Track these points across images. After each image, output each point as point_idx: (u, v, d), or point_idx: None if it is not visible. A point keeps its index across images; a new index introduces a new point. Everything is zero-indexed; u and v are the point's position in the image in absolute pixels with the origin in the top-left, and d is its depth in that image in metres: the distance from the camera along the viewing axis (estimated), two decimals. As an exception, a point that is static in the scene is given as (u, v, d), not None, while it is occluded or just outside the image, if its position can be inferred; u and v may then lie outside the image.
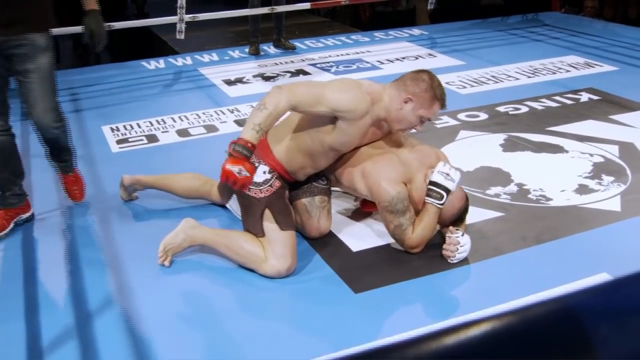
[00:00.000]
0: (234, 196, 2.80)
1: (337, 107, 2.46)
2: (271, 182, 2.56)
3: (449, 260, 2.56)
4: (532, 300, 0.60)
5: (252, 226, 2.57)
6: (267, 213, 2.52)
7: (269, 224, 2.52)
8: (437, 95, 2.55)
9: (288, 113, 2.57)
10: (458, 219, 2.67)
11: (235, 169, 2.31)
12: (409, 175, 2.61)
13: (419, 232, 2.56)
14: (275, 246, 2.49)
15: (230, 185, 2.41)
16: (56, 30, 5.77)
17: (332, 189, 2.86)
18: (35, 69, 2.68)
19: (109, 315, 2.33)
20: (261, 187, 2.54)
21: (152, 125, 4.27)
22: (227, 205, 3.01)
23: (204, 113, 4.47)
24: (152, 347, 2.15)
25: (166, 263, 2.57)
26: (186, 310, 2.35)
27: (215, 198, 3.02)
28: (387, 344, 0.56)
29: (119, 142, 4.00)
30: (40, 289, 2.50)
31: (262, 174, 2.55)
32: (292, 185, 2.72)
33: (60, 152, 3.01)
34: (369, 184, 2.60)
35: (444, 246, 2.58)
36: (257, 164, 2.53)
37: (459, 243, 2.54)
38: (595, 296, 0.62)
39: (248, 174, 2.33)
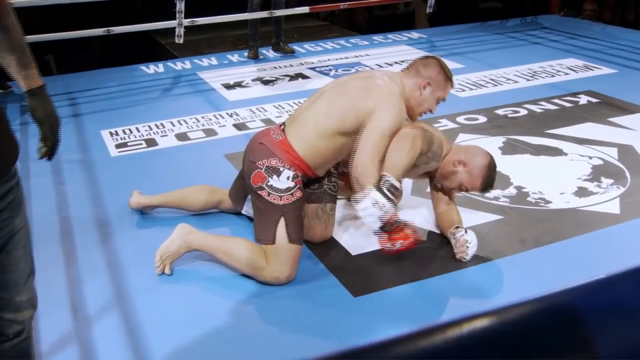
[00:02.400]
0: (248, 200, 2.77)
1: (397, 127, 2.52)
2: (293, 190, 2.50)
3: (463, 260, 2.58)
4: (526, 297, 0.60)
5: (262, 231, 2.52)
6: (282, 221, 2.47)
7: (280, 233, 2.47)
8: (449, 75, 2.67)
9: (308, 105, 2.62)
10: (489, 181, 2.68)
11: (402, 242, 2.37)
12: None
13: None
14: (279, 255, 2.46)
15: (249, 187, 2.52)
16: (54, 35, 5.79)
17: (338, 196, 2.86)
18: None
19: (108, 321, 2.32)
20: (282, 194, 2.48)
21: (151, 129, 4.27)
22: (243, 212, 2.92)
23: (203, 117, 4.47)
24: (151, 351, 2.14)
25: (167, 271, 2.54)
26: (185, 315, 2.35)
27: (228, 205, 2.96)
28: (380, 342, 0.57)
29: (118, 146, 3.99)
30: (39, 293, 2.50)
31: (285, 179, 2.49)
32: (304, 184, 2.67)
33: None
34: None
35: (455, 249, 2.60)
36: (281, 169, 2.50)
37: (467, 241, 2.56)
38: (590, 293, 0.62)
39: (412, 234, 2.38)
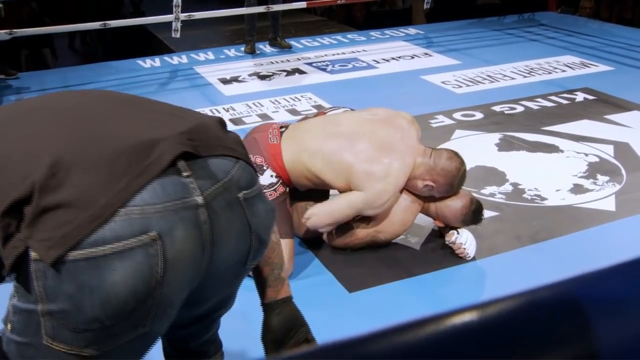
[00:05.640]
0: None
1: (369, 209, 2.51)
2: (276, 186, 2.50)
3: (467, 259, 2.58)
4: (524, 288, 0.59)
5: None
6: None
7: None
8: (455, 188, 2.54)
9: (317, 133, 2.55)
10: (472, 221, 2.61)
11: None
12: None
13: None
14: None
15: None
16: (52, 28, 5.76)
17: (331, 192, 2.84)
18: None
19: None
20: (265, 191, 2.48)
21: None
22: None
23: (199, 112, 4.45)
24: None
25: None
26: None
27: None
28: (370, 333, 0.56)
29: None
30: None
31: (268, 177, 2.49)
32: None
33: None
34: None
35: (456, 252, 2.60)
36: (265, 167, 2.49)
37: (462, 243, 2.56)
38: (592, 283, 0.61)
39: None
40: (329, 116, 2.77)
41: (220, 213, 1.13)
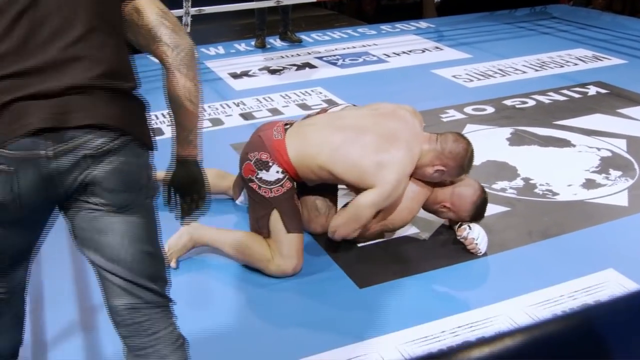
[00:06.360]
0: (245, 191, 2.78)
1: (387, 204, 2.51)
2: (282, 182, 2.50)
3: (478, 254, 2.57)
4: (549, 315, 0.58)
5: (258, 225, 2.54)
6: (275, 213, 2.48)
7: (276, 225, 2.48)
8: (466, 169, 2.55)
9: (321, 126, 2.56)
10: (477, 214, 2.62)
11: None
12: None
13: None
14: (281, 247, 2.47)
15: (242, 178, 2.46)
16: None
17: (340, 187, 2.83)
18: None
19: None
20: (272, 187, 2.49)
21: (157, 118, 4.26)
22: (238, 202, 2.97)
23: (209, 106, 4.46)
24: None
25: (172, 265, 2.54)
26: (190, 307, 2.35)
27: (232, 194, 3.00)
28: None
29: (124, 135, 3.99)
30: (45, 283, 2.51)
31: (274, 173, 2.49)
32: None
33: None
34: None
35: (468, 247, 2.59)
36: (270, 163, 2.49)
37: (473, 239, 2.55)
38: (616, 309, 0.60)
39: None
40: (332, 112, 2.80)
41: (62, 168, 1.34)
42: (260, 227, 2.53)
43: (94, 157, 1.37)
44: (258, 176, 2.49)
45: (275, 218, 2.48)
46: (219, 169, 3.13)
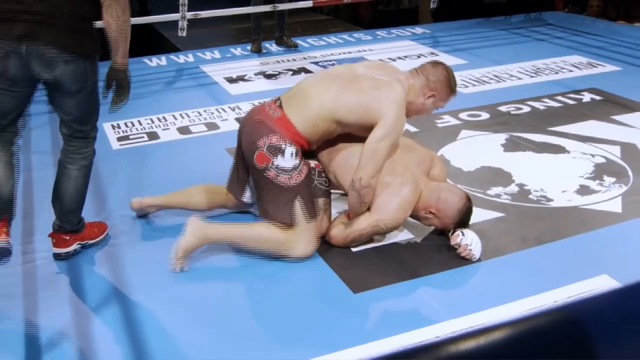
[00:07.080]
0: (248, 186, 2.75)
1: (398, 136, 2.61)
2: (299, 167, 2.52)
3: (473, 260, 2.58)
4: (535, 310, 0.59)
5: (277, 212, 2.53)
6: (297, 202, 2.51)
7: (298, 213, 2.52)
8: (453, 88, 2.70)
9: (310, 83, 2.66)
10: (462, 222, 2.64)
11: None
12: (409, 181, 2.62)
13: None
14: (305, 234, 2.53)
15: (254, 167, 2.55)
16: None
17: (332, 191, 2.83)
18: None
19: (109, 313, 2.33)
20: (290, 174, 2.49)
21: (153, 122, 4.26)
22: (245, 199, 2.82)
23: (205, 111, 4.47)
24: (150, 347, 2.14)
25: (183, 268, 2.52)
26: (184, 311, 2.35)
27: (234, 204, 2.89)
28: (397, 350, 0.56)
29: (119, 139, 3.99)
30: (40, 287, 2.50)
31: (290, 157, 2.49)
32: None
33: None
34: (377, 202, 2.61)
35: (462, 254, 2.58)
36: (283, 146, 2.49)
37: (467, 245, 2.55)
38: (600, 304, 0.61)
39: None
40: (319, 72, 2.86)
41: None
42: (281, 215, 2.52)
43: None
44: (275, 164, 2.49)
45: (296, 206, 2.51)
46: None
